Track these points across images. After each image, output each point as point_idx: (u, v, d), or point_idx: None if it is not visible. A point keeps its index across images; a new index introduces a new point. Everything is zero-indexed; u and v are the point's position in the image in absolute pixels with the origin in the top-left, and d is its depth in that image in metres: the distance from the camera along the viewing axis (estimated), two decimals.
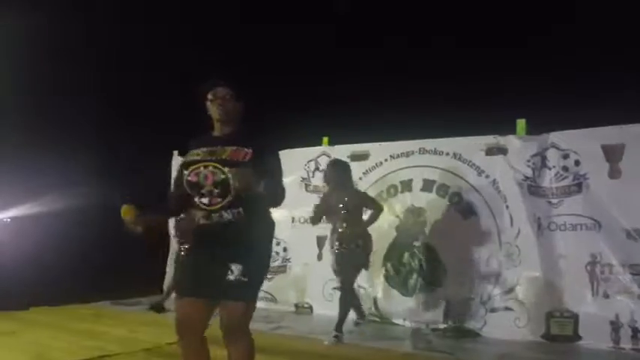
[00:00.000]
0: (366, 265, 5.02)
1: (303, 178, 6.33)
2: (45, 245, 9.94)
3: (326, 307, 5.76)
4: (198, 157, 2.72)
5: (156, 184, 7.04)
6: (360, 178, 5.85)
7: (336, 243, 4.95)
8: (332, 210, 4.99)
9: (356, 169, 5.56)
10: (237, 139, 2.73)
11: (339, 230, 4.93)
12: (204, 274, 2.61)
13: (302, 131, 6.90)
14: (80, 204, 9.59)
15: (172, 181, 3.04)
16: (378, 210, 5.02)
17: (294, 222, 6.27)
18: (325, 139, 6.49)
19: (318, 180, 6.20)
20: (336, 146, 6.33)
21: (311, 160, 6.37)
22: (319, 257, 6.03)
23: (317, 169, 6.32)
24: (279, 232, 6.17)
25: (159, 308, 6.08)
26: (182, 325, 2.62)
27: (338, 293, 5.22)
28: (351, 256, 4.88)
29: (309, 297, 6.12)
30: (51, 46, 9.61)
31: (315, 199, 6.06)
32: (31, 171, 10.25)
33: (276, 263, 6.25)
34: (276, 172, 2.74)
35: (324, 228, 5.90)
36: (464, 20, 9.06)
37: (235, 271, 2.52)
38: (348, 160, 5.77)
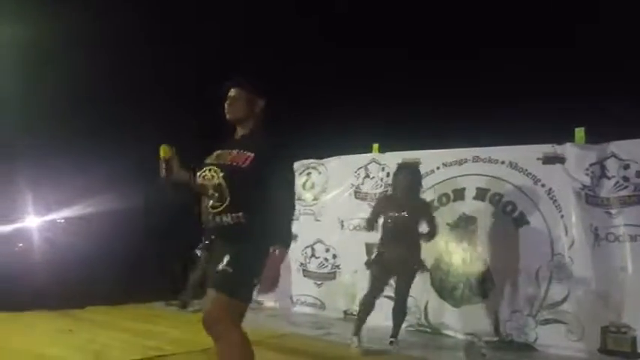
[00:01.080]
0: (421, 270, 4.95)
1: (353, 185, 6.33)
2: (99, 245, 10.26)
3: (375, 315, 5.68)
4: (209, 160, 2.77)
5: None
6: None
7: (390, 250, 4.88)
8: (390, 214, 4.86)
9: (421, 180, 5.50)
10: (244, 142, 2.72)
11: (393, 238, 4.83)
12: (210, 267, 2.73)
13: (352, 138, 6.92)
14: (134, 205, 9.82)
15: None
16: (433, 232, 4.84)
17: (344, 228, 6.28)
18: (375, 146, 6.47)
19: (367, 187, 6.21)
20: (386, 153, 6.30)
21: (361, 168, 6.36)
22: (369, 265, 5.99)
23: (367, 176, 6.31)
24: (328, 239, 6.31)
25: (183, 304, 6.17)
26: (203, 317, 2.59)
27: (387, 301, 5.21)
28: (405, 264, 4.80)
29: (358, 305, 6.08)
30: (108, 47, 9.91)
31: (364, 207, 6.08)
32: (83, 172, 10.53)
33: (325, 270, 6.27)
34: (282, 182, 2.61)
35: (374, 235, 5.95)
36: (521, 26, 8.87)
37: (225, 260, 2.54)
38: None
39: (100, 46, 9.93)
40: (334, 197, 6.38)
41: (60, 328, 5.10)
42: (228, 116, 2.79)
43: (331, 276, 6.29)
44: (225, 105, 2.80)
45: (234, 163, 2.64)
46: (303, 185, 6.59)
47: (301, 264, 6.44)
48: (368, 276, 5.10)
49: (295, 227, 6.46)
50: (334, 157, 6.63)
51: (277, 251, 2.53)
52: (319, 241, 6.35)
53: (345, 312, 6.16)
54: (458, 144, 5.82)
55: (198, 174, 2.76)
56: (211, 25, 10.01)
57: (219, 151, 2.77)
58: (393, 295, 4.94)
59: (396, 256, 4.75)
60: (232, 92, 2.81)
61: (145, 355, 4.16)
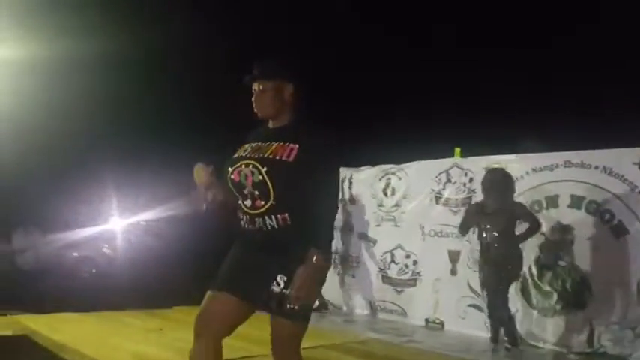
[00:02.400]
0: (515, 280, 4.85)
1: (434, 191, 6.20)
2: (182, 247, 10.61)
3: (459, 324, 5.60)
4: (244, 154, 2.40)
5: None
6: None
7: (486, 257, 4.80)
8: (483, 220, 4.84)
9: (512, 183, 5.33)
10: (283, 134, 2.38)
11: (490, 244, 4.76)
12: (247, 271, 2.32)
13: (431, 142, 6.82)
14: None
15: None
16: (535, 225, 4.80)
17: (424, 235, 6.15)
18: (457, 151, 6.30)
19: (449, 192, 6.07)
20: (469, 158, 6.13)
21: (442, 173, 6.22)
22: (453, 272, 5.87)
23: (449, 181, 6.16)
24: (409, 245, 6.23)
25: None
26: (202, 320, 2.31)
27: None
28: (502, 271, 4.70)
29: (440, 312, 5.97)
30: (196, 63, 10.24)
31: (446, 213, 5.98)
32: (163, 177, 10.90)
33: (406, 276, 6.18)
34: (328, 179, 2.32)
35: (456, 242, 5.83)
36: (614, 30, 8.44)
37: (281, 283, 2.25)
38: (483, 173, 5.62)
39: (185, 61, 10.30)
40: (415, 203, 6.27)
41: (150, 327, 5.29)
42: (259, 114, 2.44)
43: (412, 282, 6.19)
44: (253, 101, 2.45)
45: (278, 157, 2.31)
46: (384, 191, 6.53)
47: (380, 269, 6.37)
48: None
49: (375, 232, 6.50)
50: (414, 162, 6.52)
51: (315, 258, 2.20)
52: (399, 246, 6.27)
53: (426, 320, 6.04)
54: (546, 147, 5.58)
55: (229, 170, 2.38)
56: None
57: (252, 144, 2.42)
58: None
59: (494, 265, 4.69)
60: (256, 86, 2.43)
61: (232, 356, 4.20)
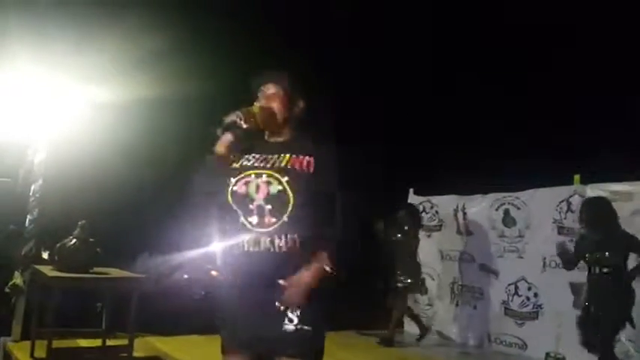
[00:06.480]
0: (629, 319, 4.55)
1: (555, 220, 6.00)
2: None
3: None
4: (249, 163, 2.15)
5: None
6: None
7: (593, 292, 4.58)
8: (591, 255, 4.60)
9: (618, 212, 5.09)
10: (293, 145, 2.18)
11: (598, 278, 4.53)
12: (256, 321, 2.05)
13: (549, 169, 6.58)
14: None
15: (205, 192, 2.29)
16: None
17: (546, 266, 5.96)
18: (576, 177, 6.09)
19: (570, 222, 5.85)
20: (590, 185, 5.90)
21: (562, 201, 6.01)
22: (576, 306, 5.61)
23: (569, 210, 5.95)
24: (531, 276, 6.03)
25: (388, 342, 6.15)
26: None
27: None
28: (612, 308, 4.47)
29: (563, 347, 5.73)
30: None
31: (568, 242, 5.77)
32: None
33: (527, 309, 6.00)
34: (339, 197, 2.10)
35: (579, 274, 5.58)
36: None
37: (294, 318, 2.01)
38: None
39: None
40: (538, 233, 6.09)
41: None
42: (261, 126, 2.20)
43: (533, 315, 5.99)
44: (261, 104, 2.23)
45: (297, 167, 2.09)
46: (503, 220, 6.37)
47: (503, 301, 6.21)
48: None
49: (497, 264, 6.35)
50: (530, 190, 6.34)
51: (319, 262, 2.03)
52: (523, 278, 6.09)
53: (547, 354, 5.82)
54: None
55: (232, 180, 2.10)
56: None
57: (257, 154, 2.17)
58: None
59: (603, 305, 4.47)
60: (269, 89, 2.23)
61: None
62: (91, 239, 4.76)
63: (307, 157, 2.10)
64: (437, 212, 7.12)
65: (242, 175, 2.10)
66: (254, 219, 2.05)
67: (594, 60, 8.51)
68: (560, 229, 5.92)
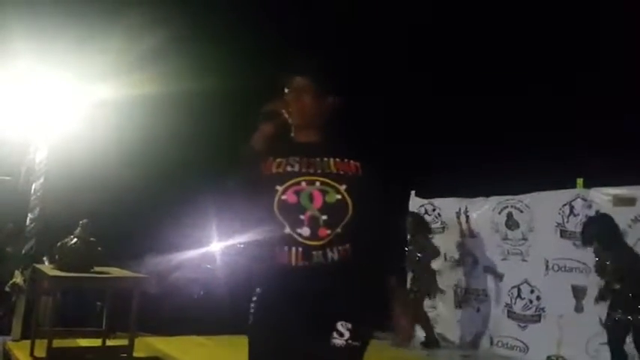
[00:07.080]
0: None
1: (558, 224, 5.98)
2: None
3: None
4: (295, 169, 1.91)
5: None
6: (630, 226, 5.33)
7: (609, 304, 4.59)
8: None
9: (620, 217, 5.06)
10: (329, 147, 1.99)
11: (613, 289, 4.54)
12: (303, 337, 1.86)
13: (551, 172, 6.56)
14: None
15: (241, 201, 2.05)
16: None
17: (548, 269, 5.94)
18: (579, 181, 6.06)
19: (573, 225, 5.83)
20: (593, 189, 5.87)
21: (565, 205, 5.99)
22: (577, 309, 5.62)
23: (572, 213, 5.93)
24: (534, 279, 6.02)
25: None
26: None
27: (605, 348, 4.79)
28: (625, 318, 4.44)
29: (565, 351, 5.71)
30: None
31: (569, 246, 5.75)
32: None
33: (530, 312, 5.99)
34: (384, 203, 2.00)
35: (581, 277, 5.60)
36: None
37: (345, 333, 1.84)
38: (609, 205, 5.37)
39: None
40: (541, 236, 6.07)
41: None
42: (296, 117, 1.99)
43: (535, 318, 5.97)
44: (291, 100, 2.00)
45: (351, 173, 1.92)
46: (506, 223, 6.36)
47: (506, 304, 6.19)
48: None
49: (501, 266, 6.34)
50: (533, 193, 6.32)
51: (393, 283, 1.94)
52: (525, 281, 6.07)
53: (548, 357, 5.80)
54: None
55: (278, 188, 1.88)
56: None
57: (297, 157, 1.94)
58: None
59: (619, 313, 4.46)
60: (299, 83, 2.01)
61: None
62: (92, 238, 4.73)
63: (353, 162, 1.95)
64: (439, 215, 7.10)
65: (291, 182, 1.88)
66: (304, 230, 1.85)
67: (599, 61, 8.50)
68: (563, 233, 5.90)
